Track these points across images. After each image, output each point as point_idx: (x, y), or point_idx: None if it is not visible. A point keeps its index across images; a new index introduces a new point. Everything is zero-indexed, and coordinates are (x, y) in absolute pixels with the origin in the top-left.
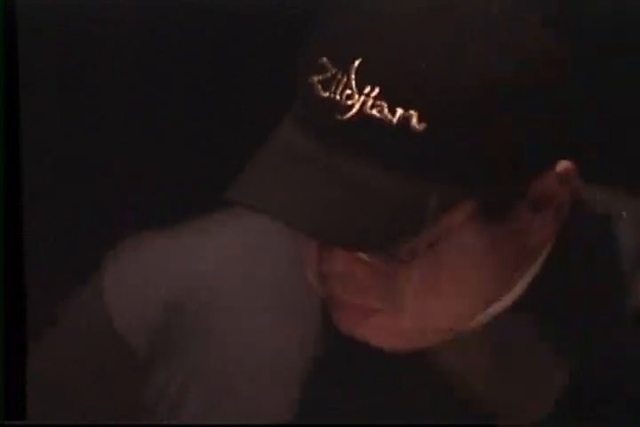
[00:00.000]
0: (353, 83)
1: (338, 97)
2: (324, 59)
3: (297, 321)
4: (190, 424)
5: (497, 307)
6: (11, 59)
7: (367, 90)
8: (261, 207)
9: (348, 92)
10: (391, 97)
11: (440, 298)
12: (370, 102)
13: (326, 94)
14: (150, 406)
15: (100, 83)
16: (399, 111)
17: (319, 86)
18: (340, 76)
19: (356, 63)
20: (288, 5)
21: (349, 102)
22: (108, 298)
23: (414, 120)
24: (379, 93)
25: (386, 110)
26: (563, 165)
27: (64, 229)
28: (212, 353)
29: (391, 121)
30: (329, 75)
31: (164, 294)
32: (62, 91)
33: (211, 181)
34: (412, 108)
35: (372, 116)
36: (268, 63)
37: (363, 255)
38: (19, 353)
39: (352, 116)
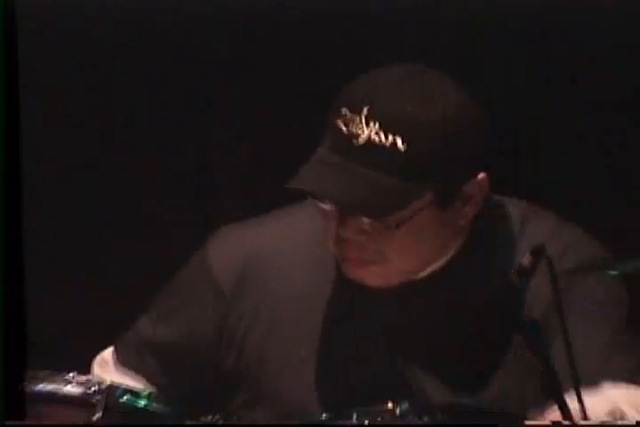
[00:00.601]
0: (363, 122)
1: (354, 131)
2: (345, 109)
3: (320, 271)
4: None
5: (442, 261)
6: (11, 59)
7: (371, 125)
8: (311, 190)
9: (360, 127)
10: (386, 129)
11: (411, 253)
12: (373, 133)
13: (346, 129)
14: (231, 329)
15: (99, 83)
16: (390, 137)
17: (342, 125)
18: (354, 119)
19: (365, 110)
20: (288, 5)
21: (361, 133)
22: (211, 260)
23: (399, 143)
24: (378, 127)
25: (382, 137)
26: (481, 175)
27: (64, 229)
28: (272, 293)
29: (385, 144)
30: (348, 118)
31: (244, 259)
32: (62, 91)
33: (196, 176)
34: (398, 136)
35: (375, 141)
36: (267, 63)
37: (365, 226)
38: (19, 353)
39: (363, 142)
